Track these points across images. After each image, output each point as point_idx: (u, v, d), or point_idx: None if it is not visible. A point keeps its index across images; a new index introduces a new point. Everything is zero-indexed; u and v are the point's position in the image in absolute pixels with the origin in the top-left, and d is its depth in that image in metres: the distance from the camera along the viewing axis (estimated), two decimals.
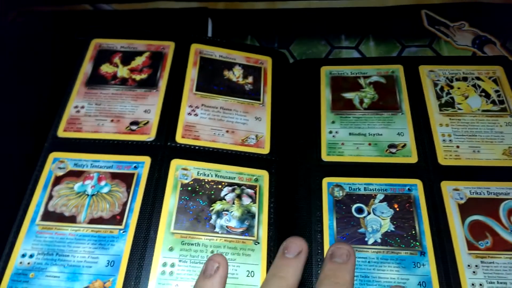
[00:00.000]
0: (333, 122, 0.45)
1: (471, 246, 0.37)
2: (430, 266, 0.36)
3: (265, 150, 0.43)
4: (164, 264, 0.35)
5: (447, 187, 0.40)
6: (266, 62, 0.49)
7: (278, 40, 0.56)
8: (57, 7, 0.61)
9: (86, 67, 0.45)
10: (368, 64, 0.50)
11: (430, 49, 0.54)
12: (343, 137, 0.44)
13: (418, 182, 0.40)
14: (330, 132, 0.45)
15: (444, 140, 0.43)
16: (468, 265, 0.36)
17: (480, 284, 0.35)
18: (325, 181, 0.41)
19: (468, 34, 0.55)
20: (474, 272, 0.35)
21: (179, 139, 0.41)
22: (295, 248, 0.34)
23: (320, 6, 0.59)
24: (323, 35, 0.56)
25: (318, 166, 0.43)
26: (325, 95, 0.47)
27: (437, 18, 0.57)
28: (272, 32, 0.57)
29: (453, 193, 0.39)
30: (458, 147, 0.42)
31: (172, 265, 0.35)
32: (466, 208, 0.39)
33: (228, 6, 0.60)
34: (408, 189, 0.40)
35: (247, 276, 0.36)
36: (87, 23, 0.58)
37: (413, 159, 0.42)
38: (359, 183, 0.41)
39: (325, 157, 0.43)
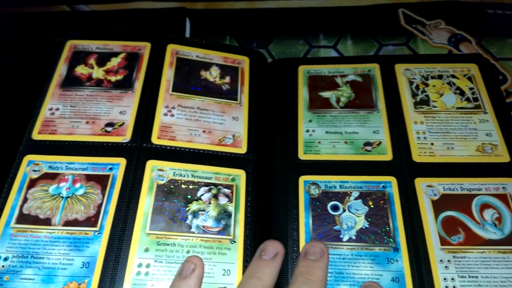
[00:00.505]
0: (310, 121, 0.45)
1: (443, 242, 0.37)
2: (403, 262, 0.36)
3: (242, 149, 0.43)
4: (140, 265, 0.35)
5: (421, 183, 0.40)
6: (244, 62, 0.49)
7: (256, 40, 0.56)
8: (35, 8, 0.60)
9: (61, 69, 0.45)
10: (345, 63, 0.50)
11: (407, 48, 0.54)
12: (319, 136, 0.44)
13: (392, 179, 0.41)
14: (307, 131, 0.45)
15: (418, 137, 0.43)
16: (441, 260, 0.36)
17: (452, 279, 0.35)
18: (302, 179, 0.42)
19: (444, 32, 0.55)
20: (446, 267, 0.36)
21: (155, 140, 0.41)
22: (272, 250, 0.35)
23: (299, 5, 0.59)
24: (301, 34, 0.57)
25: (295, 164, 0.43)
26: (303, 94, 0.48)
27: (414, 16, 0.57)
28: (251, 31, 0.57)
29: (426, 189, 0.40)
30: (432, 144, 0.43)
31: (148, 266, 0.35)
32: (439, 204, 0.39)
33: (207, 6, 0.60)
34: (383, 186, 0.40)
35: (223, 274, 0.36)
36: (64, 24, 0.58)
37: (388, 156, 0.42)
38: (335, 181, 0.41)
39: (302, 155, 0.43)
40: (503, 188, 0.40)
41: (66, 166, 0.39)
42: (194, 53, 0.48)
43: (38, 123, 0.42)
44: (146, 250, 0.36)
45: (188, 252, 0.36)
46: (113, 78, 0.45)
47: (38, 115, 0.42)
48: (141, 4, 0.60)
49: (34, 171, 0.39)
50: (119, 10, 0.60)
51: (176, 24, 0.56)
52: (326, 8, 0.59)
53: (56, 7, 0.61)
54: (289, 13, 0.59)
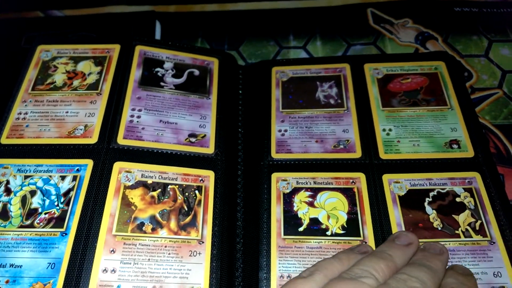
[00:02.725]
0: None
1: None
2: None
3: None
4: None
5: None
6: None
7: (228, 42, 0.57)
8: (8, 14, 0.60)
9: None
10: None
11: (375, 47, 0.55)
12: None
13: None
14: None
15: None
16: None
17: None
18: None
19: (412, 30, 0.56)
20: None
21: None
22: (406, 238, 0.32)
23: (269, 7, 0.60)
24: (272, 35, 0.57)
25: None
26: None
27: (382, 16, 0.58)
28: (222, 33, 0.58)
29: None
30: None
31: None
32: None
33: (179, 8, 0.61)
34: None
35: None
36: (37, 30, 0.58)
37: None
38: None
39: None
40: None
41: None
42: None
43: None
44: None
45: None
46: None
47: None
48: (113, 8, 0.60)
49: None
50: (91, 15, 0.60)
51: (146, 27, 0.56)
52: (296, 9, 0.60)
53: (30, 13, 0.61)
54: (259, 15, 0.60)
